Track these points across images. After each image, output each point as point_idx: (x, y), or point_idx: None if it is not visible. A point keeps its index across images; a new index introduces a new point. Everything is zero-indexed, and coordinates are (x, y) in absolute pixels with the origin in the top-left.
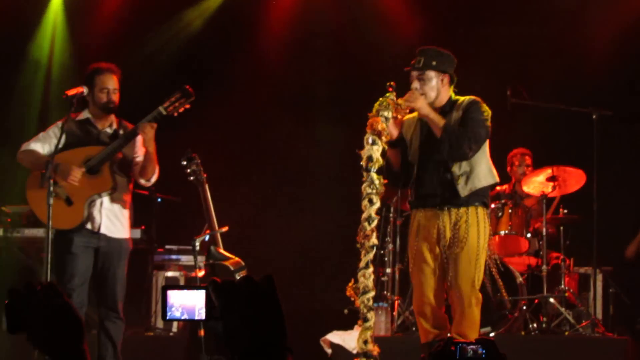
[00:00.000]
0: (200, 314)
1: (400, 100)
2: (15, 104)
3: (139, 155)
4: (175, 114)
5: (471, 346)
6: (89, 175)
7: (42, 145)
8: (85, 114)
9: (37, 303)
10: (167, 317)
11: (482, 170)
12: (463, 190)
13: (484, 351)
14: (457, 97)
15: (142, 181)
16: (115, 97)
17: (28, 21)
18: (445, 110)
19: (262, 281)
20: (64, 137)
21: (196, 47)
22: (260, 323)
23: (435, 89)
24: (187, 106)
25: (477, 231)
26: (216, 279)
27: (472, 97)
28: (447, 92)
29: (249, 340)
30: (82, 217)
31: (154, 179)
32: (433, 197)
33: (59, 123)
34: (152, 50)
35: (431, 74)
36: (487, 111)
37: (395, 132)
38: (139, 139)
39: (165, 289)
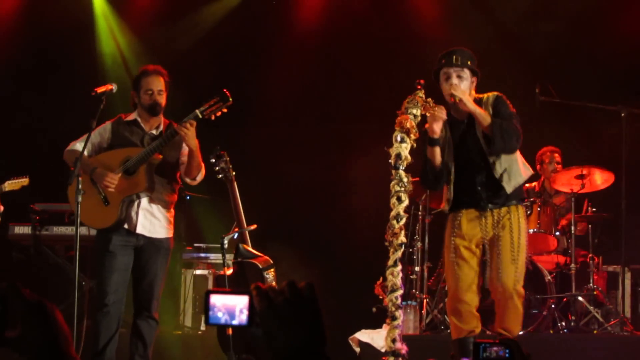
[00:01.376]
0: (243, 319)
1: (452, 91)
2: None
3: (184, 155)
4: (212, 117)
5: (495, 347)
6: (126, 176)
7: (87, 146)
8: (134, 115)
9: (17, 306)
10: (209, 322)
11: (519, 164)
12: (508, 186)
13: (507, 351)
14: (477, 95)
15: (188, 180)
16: (161, 99)
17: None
18: (471, 117)
19: (304, 288)
20: (110, 137)
21: (228, 43)
22: (300, 330)
23: (468, 88)
24: (225, 110)
25: (518, 229)
26: (260, 284)
27: (495, 93)
28: (473, 94)
29: (288, 346)
30: (116, 217)
31: (199, 177)
32: (474, 198)
33: (108, 124)
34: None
35: (467, 73)
36: (508, 102)
37: (438, 130)
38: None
39: (208, 293)
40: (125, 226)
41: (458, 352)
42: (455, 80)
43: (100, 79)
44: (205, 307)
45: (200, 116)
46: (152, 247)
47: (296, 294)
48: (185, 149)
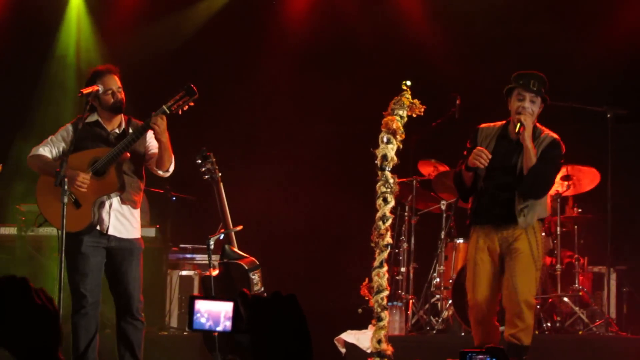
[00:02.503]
0: (227, 325)
1: (522, 118)
2: (43, 101)
3: (152, 148)
4: (180, 112)
5: (480, 356)
6: (96, 177)
7: (51, 149)
8: (94, 117)
9: (12, 300)
10: (194, 327)
11: (542, 205)
12: (523, 221)
13: None
14: (540, 126)
15: (160, 172)
16: (122, 96)
17: (50, 18)
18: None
19: (287, 298)
20: (72, 139)
21: (211, 44)
22: (286, 339)
23: (536, 114)
24: (192, 104)
25: (535, 242)
26: (246, 291)
27: (554, 136)
28: (535, 121)
29: (274, 354)
30: (90, 219)
31: (171, 168)
32: (493, 215)
33: (68, 125)
34: (161, 47)
35: (539, 100)
36: (562, 153)
37: (472, 165)
38: (150, 133)
39: (193, 298)
40: (97, 228)
41: None
42: (527, 104)
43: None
44: (190, 313)
45: (167, 112)
46: (125, 249)
47: (282, 303)
48: (151, 143)
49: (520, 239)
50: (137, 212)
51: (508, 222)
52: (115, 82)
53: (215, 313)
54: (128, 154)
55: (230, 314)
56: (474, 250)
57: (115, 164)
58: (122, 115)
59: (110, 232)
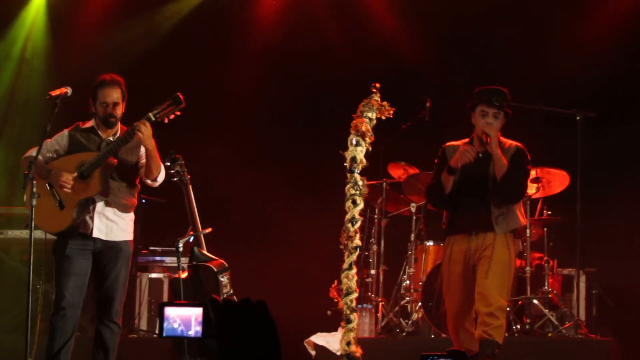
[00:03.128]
0: (197, 331)
1: (486, 130)
2: None
3: (143, 158)
4: (166, 120)
5: (442, 359)
6: (80, 180)
7: (44, 153)
8: (91, 123)
9: None
10: (164, 334)
11: (517, 212)
12: (499, 229)
13: None
14: (502, 139)
15: (149, 182)
16: (116, 111)
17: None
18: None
19: (257, 305)
20: (67, 144)
21: (180, 46)
22: (255, 345)
23: (499, 127)
24: (178, 113)
25: (508, 251)
26: (216, 297)
27: (518, 145)
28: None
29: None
30: (70, 221)
31: (160, 177)
32: (467, 224)
33: (65, 131)
34: (136, 51)
35: (502, 114)
36: (529, 159)
37: (460, 165)
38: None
39: (162, 305)
40: (81, 230)
41: None
42: (491, 119)
43: None
44: (160, 320)
45: (153, 119)
46: (111, 251)
47: (251, 310)
48: (143, 151)
49: (494, 246)
50: (127, 216)
51: (482, 231)
52: (113, 96)
53: (186, 318)
54: (115, 160)
55: (200, 318)
56: (447, 262)
57: (101, 168)
58: (120, 124)
59: (95, 234)
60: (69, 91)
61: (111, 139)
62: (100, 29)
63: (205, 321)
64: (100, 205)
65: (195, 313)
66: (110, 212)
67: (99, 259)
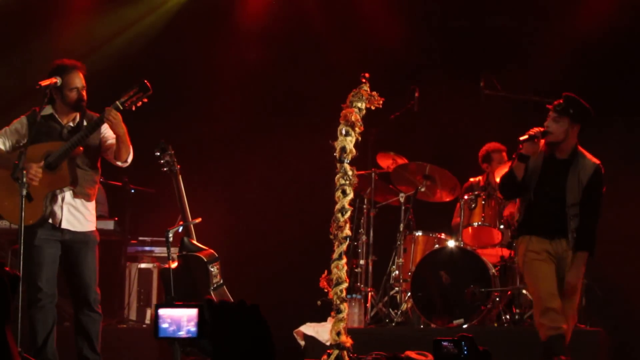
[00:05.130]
0: (189, 331)
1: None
2: None
3: (108, 139)
4: (133, 108)
5: (452, 344)
6: (48, 171)
7: (4, 141)
8: (48, 110)
9: None
10: (159, 335)
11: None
12: (570, 245)
13: (465, 348)
14: (582, 150)
15: (119, 163)
16: (85, 94)
17: None
18: (569, 160)
19: (251, 309)
20: (27, 132)
21: (169, 34)
22: (249, 346)
23: (564, 132)
24: (145, 100)
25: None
26: (210, 297)
27: (597, 163)
28: (574, 140)
29: None
30: (41, 213)
31: (129, 159)
32: (546, 228)
33: (22, 118)
34: (119, 43)
35: (566, 119)
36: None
37: (531, 152)
38: (105, 125)
39: (157, 306)
40: (50, 221)
41: (548, 351)
42: (549, 122)
43: None
44: (155, 321)
45: (120, 107)
46: (80, 242)
47: (246, 311)
48: (105, 134)
49: (567, 258)
50: (91, 205)
51: (560, 236)
52: (80, 80)
53: (177, 318)
54: (81, 148)
55: (193, 319)
56: (528, 253)
57: (68, 158)
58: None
59: (64, 225)
60: (58, 81)
61: (71, 124)
62: (89, 17)
63: (201, 322)
64: (68, 195)
65: (187, 314)
66: (78, 202)
67: (69, 251)
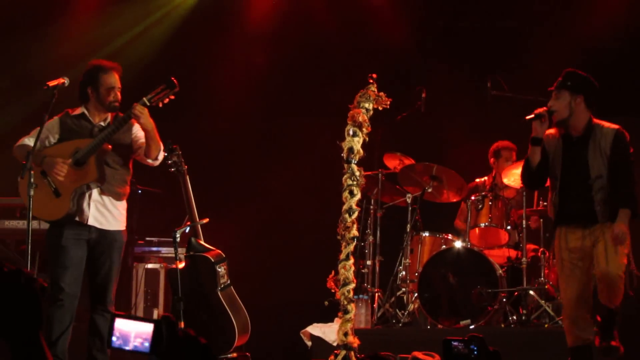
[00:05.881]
0: (136, 346)
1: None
2: None
3: (139, 138)
4: (160, 105)
5: (462, 344)
6: (76, 167)
7: (35, 140)
8: (81, 109)
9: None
10: (112, 345)
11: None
12: (602, 217)
13: (475, 348)
14: (598, 121)
15: (149, 161)
16: (119, 95)
17: None
18: (586, 135)
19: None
20: (59, 131)
21: (178, 35)
22: None
23: (567, 107)
24: (172, 97)
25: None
26: (169, 315)
27: (617, 128)
28: (585, 114)
29: None
30: (67, 209)
31: (160, 156)
32: (578, 215)
33: (56, 118)
34: (123, 45)
35: (565, 93)
36: (628, 142)
37: (539, 130)
38: (136, 125)
39: (113, 317)
40: (77, 218)
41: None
42: (551, 101)
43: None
44: (110, 331)
45: (147, 103)
46: (105, 240)
47: (195, 344)
48: (137, 134)
49: (605, 230)
50: (121, 204)
51: (590, 220)
52: (117, 81)
53: (135, 333)
54: (110, 146)
55: (149, 335)
56: (562, 251)
57: (96, 154)
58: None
59: (90, 222)
60: (66, 81)
61: (102, 123)
62: (94, 17)
63: (155, 337)
64: (95, 192)
65: (145, 328)
66: (107, 200)
67: (94, 248)
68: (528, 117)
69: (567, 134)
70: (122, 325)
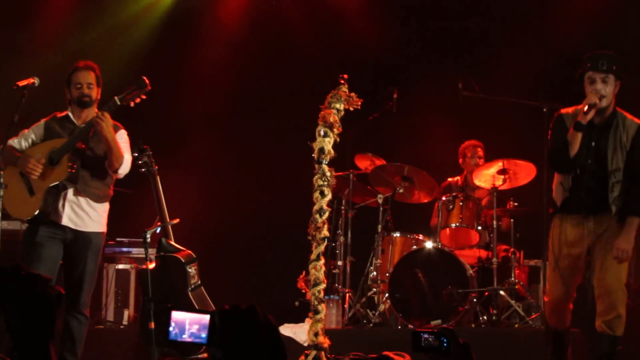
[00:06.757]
0: (202, 337)
1: (590, 99)
2: None
3: None
4: (132, 104)
5: (432, 336)
6: (50, 166)
7: (20, 141)
8: (67, 112)
9: (19, 287)
10: (170, 337)
11: None
12: (613, 215)
13: (444, 340)
14: (621, 110)
15: (111, 172)
16: (91, 92)
17: None
18: (611, 123)
19: (262, 315)
20: (43, 133)
21: (146, 37)
22: (258, 352)
23: (612, 94)
24: (144, 97)
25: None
26: (225, 306)
27: (639, 123)
28: (614, 100)
29: None
30: (39, 207)
31: (122, 169)
32: (583, 204)
33: (42, 121)
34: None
35: (612, 78)
36: None
37: (589, 116)
38: (119, 133)
39: (170, 309)
40: (52, 218)
41: (550, 341)
42: (599, 85)
43: None
44: (167, 324)
45: (119, 103)
46: (81, 241)
47: (256, 317)
48: None
49: (612, 229)
50: (99, 206)
51: (599, 212)
52: (87, 78)
53: (191, 324)
54: (83, 146)
55: (206, 326)
56: (558, 242)
57: (70, 154)
58: (96, 110)
59: (64, 222)
60: (36, 81)
61: (84, 125)
62: (70, 22)
63: (211, 328)
64: (70, 193)
65: (201, 320)
66: (83, 201)
67: (70, 249)
68: (585, 109)
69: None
70: (183, 317)
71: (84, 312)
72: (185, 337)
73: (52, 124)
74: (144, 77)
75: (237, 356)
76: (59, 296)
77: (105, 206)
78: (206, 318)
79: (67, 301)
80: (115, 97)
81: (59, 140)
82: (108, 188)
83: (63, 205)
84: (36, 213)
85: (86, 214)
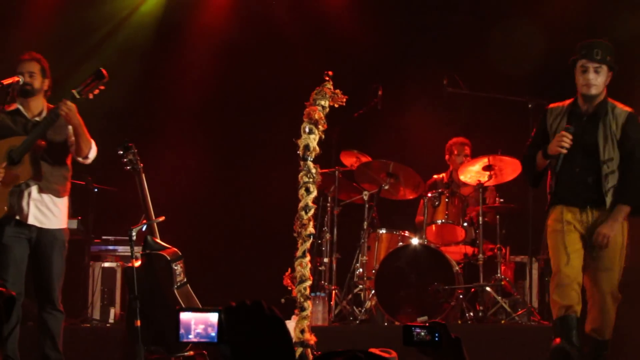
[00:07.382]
0: (212, 335)
1: (558, 148)
2: None
3: (72, 136)
4: (90, 96)
5: (424, 330)
6: (11, 166)
7: None
8: (16, 105)
9: None
10: (181, 339)
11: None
12: (610, 204)
13: (436, 335)
14: (612, 100)
15: (80, 159)
16: (33, 80)
17: None
18: (600, 113)
19: (268, 309)
20: None
21: (133, 32)
22: (267, 347)
23: (603, 84)
24: (102, 87)
25: (621, 229)
26: (231, 302)
27: (629, 111)
28: (605, 90)
29: None
30: (4, 209)
31: (91, 154)
32: (578, 197)
33: None
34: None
35: (605, 68)
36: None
37: (567, 147)
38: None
39: (178, 311)
40: (17, 217)
41: (558, 332)
42: (592, 75)
43: None
44: (176, 325)
45: (77, 96)
46: (45, 239)
47: (262, 312)
48: (70, 129)
49: (605, 220)
50: (61, 202)
51: (594, 205)
52: (29, 67)
53: (200, 323)
54: (43, 142)
55: (215, 324)
56: (559, 223)
57: (30, 152)
58: (44, 102)
59: (30, 221)
60: (20, 80)
61: (37, 118)
62: (50, 19)
63: (220, 326)
64: (34, 191)
65: (210, 318)
66: (46, 198)
67: (36, 247)
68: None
69: (576, 108)
70: (192, 317)
71: (58, 308)
72: (192, 338)
73: (3, 119)
74: (102, 69)
75: (247, 352)
76: (9, 300)
77: (66, 201)
78: (212, 317)
79: (40, 299)
80: (73, 90)
81: (17, 138)
82: (67, 181)
83: (28, 204)
84: (2, 216)
85: (50, 211)
